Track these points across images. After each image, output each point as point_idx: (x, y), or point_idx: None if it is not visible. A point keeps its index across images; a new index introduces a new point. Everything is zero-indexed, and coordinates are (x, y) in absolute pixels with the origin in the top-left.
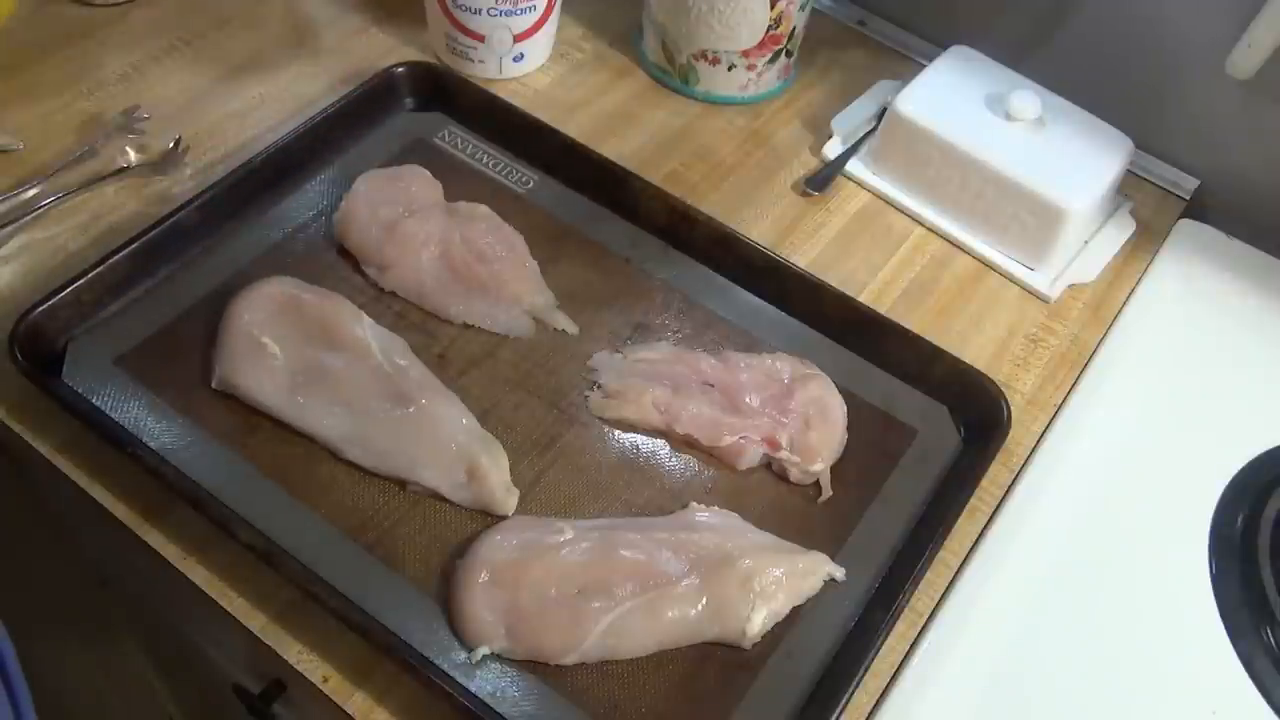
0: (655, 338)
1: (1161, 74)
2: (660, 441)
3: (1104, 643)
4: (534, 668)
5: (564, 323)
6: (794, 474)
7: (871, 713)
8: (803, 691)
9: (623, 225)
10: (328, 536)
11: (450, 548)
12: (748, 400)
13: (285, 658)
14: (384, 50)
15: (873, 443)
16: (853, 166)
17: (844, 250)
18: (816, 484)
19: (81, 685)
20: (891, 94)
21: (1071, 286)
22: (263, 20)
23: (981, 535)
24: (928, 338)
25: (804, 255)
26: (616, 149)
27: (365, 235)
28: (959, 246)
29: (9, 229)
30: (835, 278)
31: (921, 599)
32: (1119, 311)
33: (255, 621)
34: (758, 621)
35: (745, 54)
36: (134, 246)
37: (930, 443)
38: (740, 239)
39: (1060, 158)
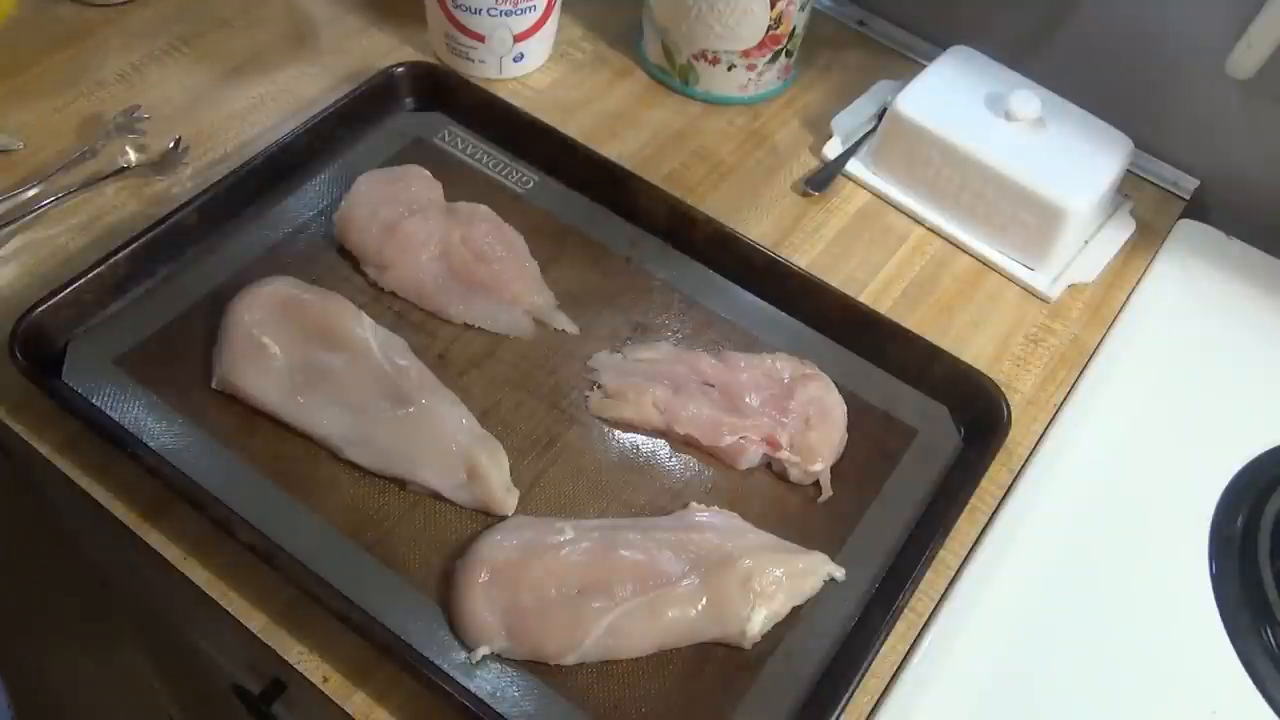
0: (655, 338)
1: (1161, 74)
2: (660, 441)
3: (1104, 643)
4: (534, 668)
5: (564, 323)
6: (794, 474)
7: (871, 713)
8: (803, 692)
9: (623, 225)
10: (328, 536)
11: (450, 548)
12: (748, 400)
13: (285, 658)
14: (384, 50)
15: (873, 443)
16: (853, 166)
17: (844, 250)
18: (816, 484)
19: (82, 685)
20: (891, 94)
21: (1071, 286)
22: (263, 20)
23: (981, 535)
24: (928, 338)
25: (804, 255)
26: (616, 149)
27: (365, 235)
28: (959, 246)
29: (9, 229)
30: (835, 278)
31: (921, 599)
32: (1119, 311)
33: (255, 621)
34: (758, 621)
35: (745, 54)
36: (134, 246)
37: (930, 443)
38: (740, 239)
39: (1060, 158)
